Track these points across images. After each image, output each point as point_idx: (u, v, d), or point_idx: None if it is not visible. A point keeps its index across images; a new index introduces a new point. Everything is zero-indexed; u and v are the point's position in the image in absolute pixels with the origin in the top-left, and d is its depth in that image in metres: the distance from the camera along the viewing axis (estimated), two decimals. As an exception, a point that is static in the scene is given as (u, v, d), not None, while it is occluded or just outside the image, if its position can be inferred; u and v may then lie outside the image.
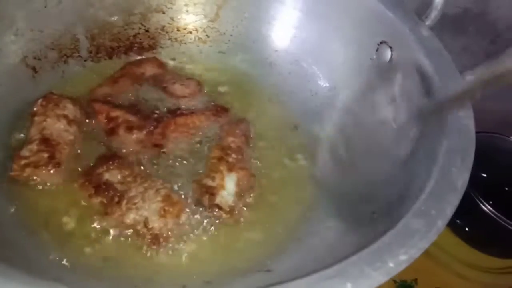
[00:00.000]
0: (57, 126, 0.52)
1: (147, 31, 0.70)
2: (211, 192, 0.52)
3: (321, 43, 0.66)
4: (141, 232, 0.48)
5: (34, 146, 0.50)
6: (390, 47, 0.58)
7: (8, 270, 0.31)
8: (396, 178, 0.50)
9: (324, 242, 0.50)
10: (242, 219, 0.52)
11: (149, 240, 0.48)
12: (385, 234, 0.35)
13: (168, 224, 0.49)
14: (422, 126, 0.47)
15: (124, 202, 0.49)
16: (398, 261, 0.33)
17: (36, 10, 0.60)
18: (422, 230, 0.35)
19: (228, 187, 0.53)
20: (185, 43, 0.72)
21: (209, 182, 0.53)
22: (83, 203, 0.51)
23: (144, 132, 0.56)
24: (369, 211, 0.49)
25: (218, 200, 0.52)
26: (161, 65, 0.67)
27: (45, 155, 0.50)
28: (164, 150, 0.56)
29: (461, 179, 0.40)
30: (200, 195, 0.52)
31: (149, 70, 0.65)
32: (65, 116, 0.54)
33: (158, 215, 0.48)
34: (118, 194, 0.50)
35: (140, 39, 0.70)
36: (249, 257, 0.50)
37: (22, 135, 0.54)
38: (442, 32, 0.57)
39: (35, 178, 0.49)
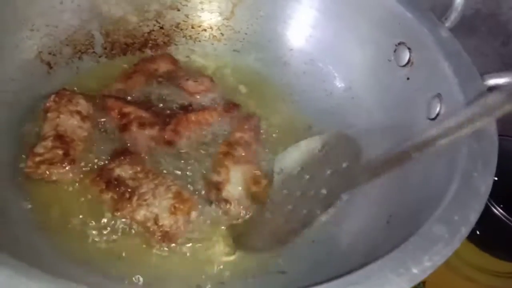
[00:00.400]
0: (70, 123, 0.52)
1: (161, 28, 0.70)
2: (218, 187, 0.52)
3: (337, 43, 0.66)
4: (151, 229, 0.48)
5: (48, 143, 0.50)
6: (409, 48, 0.57)
7: (30, 270, 0.30)
8: (413, 181, 0.50)
9: (339, 245, 0.50)
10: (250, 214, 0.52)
11: (159, 238, 0.48)
12: (407, 239, 0.34)
13: (178, 222, 0.48)
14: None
15: (135, 198, 0.49)
16: (422, 267, 0.32)
17: (51, 6, 0.60)
18: (445, 237, 0.34)
19: (234, 181, 0.53)
20: (200, 41, 0.72)
21: (215, 177, 0.53)
22: (94, 198, 0.50)
23: (157, 128, 0.56)
24: (386, 214, 0.49)
25: (225, 194, 0.52)
26: (175, 61, 0.67)
27: (60, 152, 0.50)
28: (176, 146, 0.56)
29: (484, 184, 0.39)
30: (208, 190, 0.53)
31: (163, 66, 0.65)
32: (79, 112, 0.54)
33: (169, 212, 0.48)
34: (129, 190, 0.50)
35: (155, 36, 0.70)
36: (263, 258, 0.50)
37: (36, 129, 0.54)
38: (454, 34, 0.56)
39: (49, 174, 0.49)
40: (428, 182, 0.47)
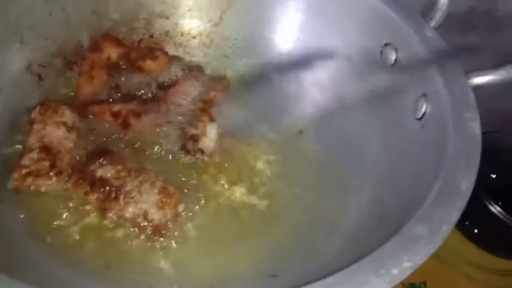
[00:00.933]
0: (56, 134, 0.53)
1: (151, 36, 0.71)
2: (194, 138, 0.57)
3: (324, 45, 0.66)
4: (142, 225, 0.49)
5: (34, 155, 0.50)
6: (395, 49, 0.58)
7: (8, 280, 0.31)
8: (402, 181, 0.50)
9: (331, 248, 0.50)
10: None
11: (150, 232, 0.49)
12: (388, 240, 0.34)
13: (167, 215, 0.50)
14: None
15: (122, 196, 0.50)
16: (402, 268, 0.32)
17: (40, 18, 0.61)
18: (426, 236, 0.34)
19: (210, 134, 0.58)
20: (190, 48, 0.72)
21: (193, 130, 0.58)
22: (79, 202, 0.51)
23: (151, 114, 0.58)
24: (378, 215, 0.49)
25: (200, 145, 0.57)
26: (118, 40, 0.66)
27: (46, 163, 0.50)
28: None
29: (466, 182, 0.39)
30: (185, 141, 0.57)
31: (112, 52, 0.65)
32: (64, 123, 0.54)
33: (157, 207, 0.49)
34: (114, 189, 0.50)
35: (145, 45, 0.70)
36: (254, 262, 0.50)
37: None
38: (450, 30, 0.56)
39: (37, 186, 0.50)
40: (417, 182, 0.47)
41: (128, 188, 0.51)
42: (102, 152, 0.54)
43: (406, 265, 0.32)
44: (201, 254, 0.50)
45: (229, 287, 0.48)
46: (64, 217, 0.50)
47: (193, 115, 0.60)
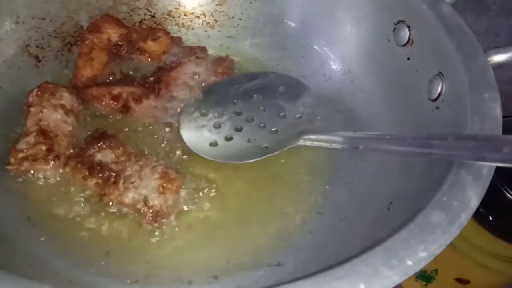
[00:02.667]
0: (54, 117, 0.51)
1: (153, 16, 0.68)
2: None
3: (334, 24, 0.63)
4: (142, 211, 0.47)
5: (31, 139, 0.48)
6: (408, 27, 0.54)
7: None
8: (416, 167, 0.47)
9: (338, 235, 0.48)
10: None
11: (151, 218, 0.47)
12: (402, 228, 0.32)
13: (168, 201, 0.48)
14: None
15: (121, 182, 0.48)
16: (416, 258, 0.29)
17: (36, -4, 0.59)
18: (443, 224, 0.32)
19: None
20: (193, 29, 0.69)
21: None
22: (78, 187, 0.49)
23: (152, 97, 0.57)
24: (387, 202, 0.47)
25: None
26: (118, 21, 0.64)
27: (43, 147, 0.48)
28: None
29: (486, 167, 0.36)
30: None
31: (112, 33, 0.62)
32: (62, 106, 0.52)
33: (158, 192, 0.48)
34: (114, 174, 0.49)
35: (146, 25, 0.67)
36: (258, 250, 0.48)
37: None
38: (464, 12, 0.53)
39: (33, 171, 0.48)
40: (431, 166, 0.44)
41: (128, 173, 0.49)
42: (101, 136, 0.52)
43: (421, 255, 0.30)
44: (203, 242, 0.48)
45: (232, 276, 0.46)
46: (61, 204, 0.48)
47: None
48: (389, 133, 0.44)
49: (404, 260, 0.29)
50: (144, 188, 0.48)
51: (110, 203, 0.48)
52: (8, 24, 0.56)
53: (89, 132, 0.54)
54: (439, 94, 0.48)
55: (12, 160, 0.48)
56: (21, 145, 0.48)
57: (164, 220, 0.47)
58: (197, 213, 0.50)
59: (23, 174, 0.48)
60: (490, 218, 0.64)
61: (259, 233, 0.49)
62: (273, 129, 0.54)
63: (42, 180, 0.49)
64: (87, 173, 0.49)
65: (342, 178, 0.55)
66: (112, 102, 0.56)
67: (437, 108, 0.48)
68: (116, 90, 0.56)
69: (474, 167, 0.37)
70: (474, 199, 0.34)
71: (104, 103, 0.56)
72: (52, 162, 0.48)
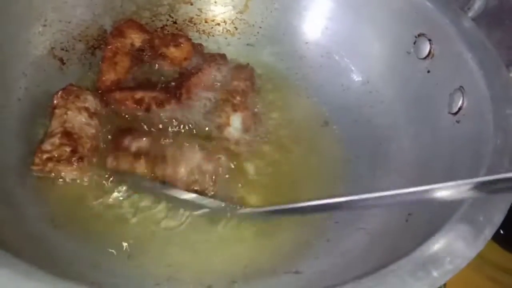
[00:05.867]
0: (78, 119, 0.51)
1: (174, 22, 0.69)
2: (219, 126, 0.57)
3: (354, 35, 0.64)
4: (199, 179, 0.50)
5: (56, 140, 0.49)
6: (429, 40, 0.55)
7: (31, 270, 0.30)
8: (436, 178, 0.47)
9: (356, 244, 0.48)
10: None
11: (212, 183, 0.50)
12: (427, 239, 0.32)
13: (217, 167, 0.52)
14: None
15: (169, 159, 0.50)
16: (443, 270, 0.30)
17: (64, 0, 0.60)
18: (468, 238, 0.32)
19: (234, 124, 0.58)
20: (213, 35, 0.70)
21: (217, 119, 0.58)
22: (102, 189, 0.50)
23: (173, 102, 0.58)
24: (405, 213, 0.47)
25: (225, 134, 0.57)
26: (141, 27, 0.65)
27: (68, 149, 0.49)
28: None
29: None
30: (210, 129, 0.57)
31: (136, 38, 0.63)
32: (86, 109, 0.53)
33: (206, 160, 0.51)
34: (158, 155, 0.50)
35: (168, 31, 0.68)
36: (276, 257, 0.48)
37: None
38: (478, 25, 0.54)
39: (57, 172, 0.49)
40: (451, 180, 0.44)
41: (170, 152, 0.51)
42: (127, 130, 0.53)
43: (448, 267, 0.30)
44: (222, 248, 0.49)
45: (250, 282, 0.46)
46: (85, 205, 0.49)
47: (216, 105, 0.59)
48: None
49: (431, 272, 0.30)
50: (191, 160, 0.50)
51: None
52: (36, 27, 0.57)
53: (109, 137, 0.55)
54: (460, 108, 0.49)
55: (37, 160, 0.49)
56: (46, 146, 0.49)
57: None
58: (218, 219, 0.50)
59: (47, 175, 0.49)
60: (501, 232, 0.64)
61: (277, 240, 0.50)
62: None
63: (66, 180, 0.50)
64: (132, 158, 0.50)
65: (359, 188, 0.55)
66: (135, 106, 0.57)
67: (458, 122, 0.49)
68: (138, 95, 0.57)
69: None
70: (497, 215, 0.34)
71: (126, 106, 0.57)
72: (76, 164, 0.49)
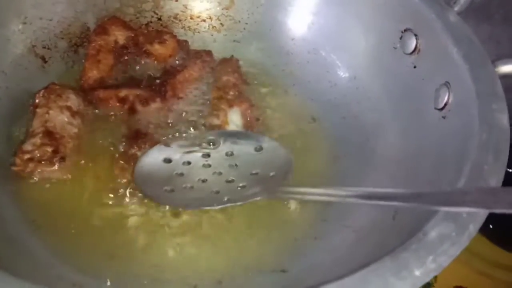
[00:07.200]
0: (60, 118, 0.51)
1: (159, 19, 0.68)
2: (219, 129, 0.56)
3: (340, 30, 0.63)
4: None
5: (37, 140, 0.48)
6: (415, 35, 0.54)
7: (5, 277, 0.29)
8: (421, 175, 0.47)
9: (343, 242, 0.48)
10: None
11: None
12: (410, 238, 0.32)
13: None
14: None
15: None
16: (426, 269, 0.30)
17: (44, -3, 0.59)
18: (452, 235, 0.32)
19: (233, 120, 0.57)
20: (199, 32, 0.69)
21: (215, 121, 0.56)
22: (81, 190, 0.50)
23: (158, 100, 0.57)
24: (392, 210, 0.47)
25: None
26: (125, 24, 0.64)
27: (49, 149, 0.48)
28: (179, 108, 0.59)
29: (495, 178, 0.36)
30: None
31: (119, 35, 0.62)
32: (69, 108, 0.52)
33: None
34: None
35: (152, 28, 0.67)
36: (263, 256, 0.48)
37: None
38: (466, 20, 0.53)
39: (39, 173, 0.48)
40: (437, 176, 0.44)
41: None
42: (136, 135, 0.53)
43: (430, 266, 0.30)
44: (207, 247, 0.48)
45: (237, 281, 0.46)
46: (67, 206, 0.48)
47: (211, 105, 0.58)
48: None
49: (413, 271, 0.29)
50: None
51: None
52: (16, 25, 0.56)
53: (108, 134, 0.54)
54: (446, 104, 0.48)
55: (17, 161, 0.48)
56: (27, 146, 0.48)
57: None
58: (203, 217, 0.50)
59: (28, 175, 0.48)
60: (491, 226, 0.64)
61: (264, 238, 0.49)
62: (240, 184, 0.49)
63: (47, 181, 0.49)
64: None
65: (347, 185, 0.54)
66: (118, 104, 0.56)
67: (444, 117, 0.48)
68: (122, 93, 0.56)
69: (481, 179, 0.37)
70: (482, 211, 0.34)
71: (110, 105, 0.56)
72: (58, 164, 0.48)
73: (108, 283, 0.43)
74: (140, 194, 0.49)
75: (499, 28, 0.78)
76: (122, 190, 0.50)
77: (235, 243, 0.49)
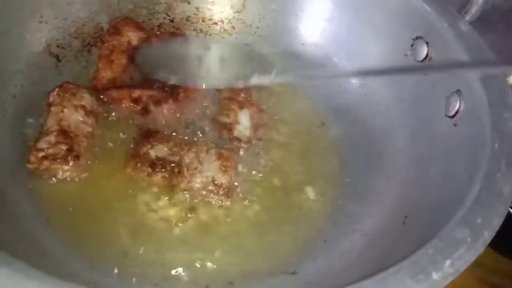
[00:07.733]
0: (74, 117, 0.51)
1: (171, 21, 0.69)
2: (228, 127, 0.57)
3: (352, 37, 0.64)
4: (214, 191, 0.50)
5: (52, 138, 0.49)
6: (427, 43, 0.55)
7: (30, 269, 0.29)
8: (432, 181, 0.48)
9: (353, 246, 0.48)
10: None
11: (222, 195, 0.50)
12: (427, 242, 0.32)
13: (232, 177, 0.52)
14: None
15: (185, 170, 0.50)
16: (444, 273, 0.30)
17: (60, -3, 0.59)
18: (467, 241, 0.32)
19: (243, 122, 0.57)
20: (210, 34, 0.70)
21: (225, 119, 0.57)
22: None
23: (171, 101, 0.57)
24: (402, 215, 0.47)
25: (236, 133, 0.56)
26: (138, 25, 0.65)
27: (64, 147, 0.48)
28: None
29: (508, 186, 0.37)
30: (219, 130, 0.57)
31: (133, 36, 0.63)
32: (83, 107, 0.52)
33: (221, 171, 0.51)
34: (175, 165, 0.51)
35: (165, 29, 0.68)
36: (273, 257, 0.48)
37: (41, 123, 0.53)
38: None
39: (53, 170, 0.48)
40: (448, 183, 0.45)
41: (187, 161, 0.51)
42: (148, 133, 0.54)
43: (448, 270, 0.30)
44: (219, 248, 0.48)
45: (248, 283, 0.46)
46: (80, 204, 0.48)
47: (221, 104, 0.59)
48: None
49: (431, 275, 0.30)
50: (208, 170, 0.51)
51: (181, 192, 0.50)
52: (33, 23, 0.57)
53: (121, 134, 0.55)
54: (457, 111, 0.49)
55: (32, 158, 0.48)
56: (42, 144, 0.48)
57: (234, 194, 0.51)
58: (217, 218, 0.50)
59: (42, 173, 0.49)
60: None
61: (275, 240, 0.50)
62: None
63: (61, 179, 0.49)
64: (150, 170, 0.50)
65: (355, 189, 0.55)
66: (131, 104, 0.56)
67: (455, 125, 0.49)
68: (136, 93, 0.57)
69: (495, 187, 0.37)
70: (496, 218, 0.34)
71: (123, 105, 0.57)
72: (72, 162, 0.48)
73: (120, 281, 0.44)
74: (153, 191, 0.50)
75: (502, 37, 0.78)
76: (135, 189, 0.50)
77: (247, 245, 0.49)
